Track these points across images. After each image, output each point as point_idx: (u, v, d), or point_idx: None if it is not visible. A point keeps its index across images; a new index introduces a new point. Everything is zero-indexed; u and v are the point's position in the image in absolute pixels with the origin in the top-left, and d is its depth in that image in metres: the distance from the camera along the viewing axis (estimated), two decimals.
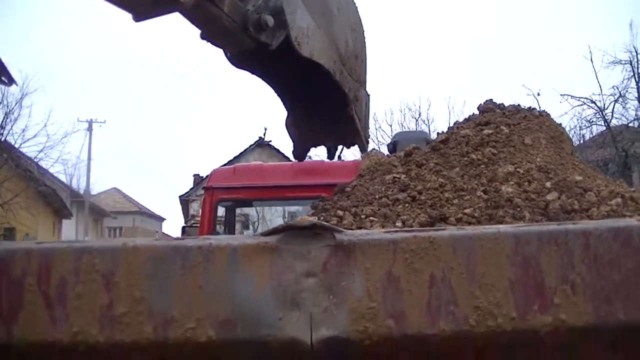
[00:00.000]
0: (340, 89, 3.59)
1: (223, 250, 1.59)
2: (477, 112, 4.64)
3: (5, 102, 30.22)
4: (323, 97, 3.77)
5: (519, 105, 4.61)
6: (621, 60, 31.13)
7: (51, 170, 39.13)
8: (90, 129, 61.47)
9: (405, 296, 1.56)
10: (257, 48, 2.96)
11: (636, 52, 31.05)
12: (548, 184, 3.64)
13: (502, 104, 4.64)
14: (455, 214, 3.48)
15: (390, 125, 42.64)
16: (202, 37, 2.98)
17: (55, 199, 37.80)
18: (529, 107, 4.69)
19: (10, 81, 29.14)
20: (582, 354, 1.67)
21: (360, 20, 3.93)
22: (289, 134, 4.08)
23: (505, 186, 3.63)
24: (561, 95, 31.05)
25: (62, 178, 50.07)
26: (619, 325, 1.58)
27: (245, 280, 1.57)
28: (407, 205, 3.70)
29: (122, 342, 1.57)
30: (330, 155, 4.22)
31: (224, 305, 1.56)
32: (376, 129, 42.53)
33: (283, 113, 5.00)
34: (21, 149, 31.36)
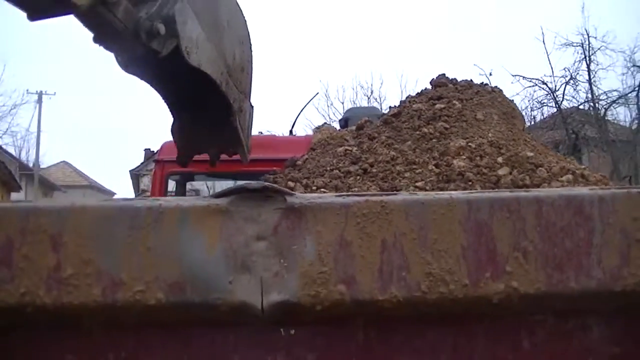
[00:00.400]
0: (225, 99, 3.65)
1: (173, 211, 1.56)
2: (429, 86, 4.67)
3: None
4: (209, 107, 3.84)
5: (471, 80, 4.64)
6: (573, 43, 31.69)
7: None
8: (40, 100, 60.93)
9: (357, 261, 1.56)
10: (147, 55, 2.99)
11: (588, 34, 31.61)
12: (500, 159, 3.66)
13: (455, 79, 4.66)
14: (406, 187, 3.50)
15: (342, 103, 42.92)
16: (95, 40, 2.99)
17: (4, 171, 37.32)
18: (482, 83, 4.71)
19: None
20: (534, 322, 1.68)
21: (249, 34, 4.00)
22: (174, 140, 4.15)
23: (457, 160, 3.65)
24: (513, 75, 31.53)
25: (11, 150, 49.72)
26: (571, 294, 1.59)
27: (195, 243, 1.55)
28: (358, 177, 3.71)
29: (70, 304, 1.55)
30: (212, 163, 4.29)
31: (173, 268, 1.54)
32: (328, 106, 42.72)
33: None
34: None
